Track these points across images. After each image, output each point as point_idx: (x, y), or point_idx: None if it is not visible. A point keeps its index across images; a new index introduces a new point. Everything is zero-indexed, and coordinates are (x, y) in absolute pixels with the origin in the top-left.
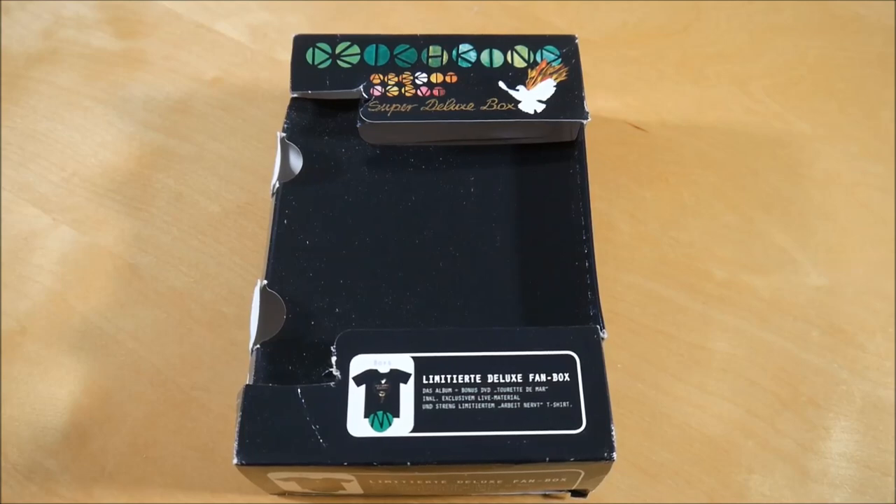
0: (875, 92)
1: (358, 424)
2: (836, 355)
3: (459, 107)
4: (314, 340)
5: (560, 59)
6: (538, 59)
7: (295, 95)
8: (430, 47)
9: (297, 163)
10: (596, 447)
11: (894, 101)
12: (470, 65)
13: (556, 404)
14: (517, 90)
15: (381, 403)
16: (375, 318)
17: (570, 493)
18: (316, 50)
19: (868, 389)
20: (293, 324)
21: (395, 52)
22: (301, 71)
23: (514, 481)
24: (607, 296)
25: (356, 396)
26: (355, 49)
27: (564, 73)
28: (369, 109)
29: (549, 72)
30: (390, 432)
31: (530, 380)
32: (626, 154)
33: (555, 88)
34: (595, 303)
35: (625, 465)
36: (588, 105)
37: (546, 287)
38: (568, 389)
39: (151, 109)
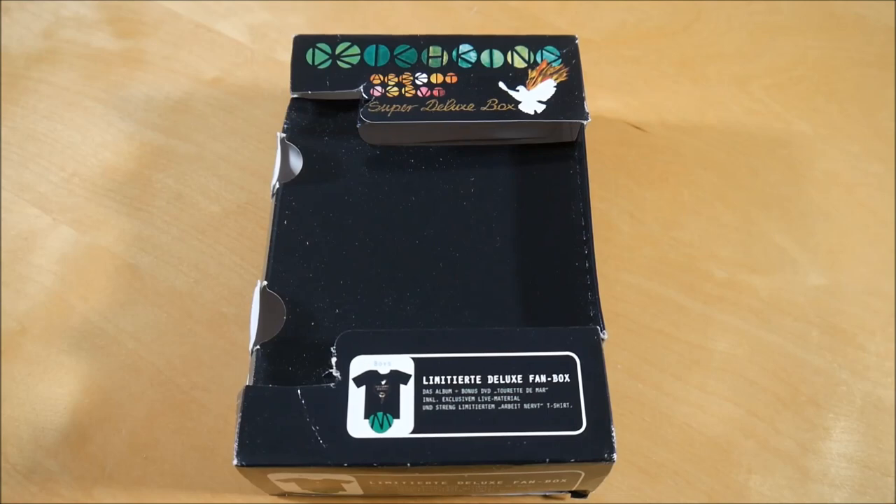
0: (875, 92)
1: (358, 425)
2: (836, 355)
3: (460, 107)
4: (314, 341)
5: (560, 60)
6: (538, 59)
7: (295, 96)
8: (430, 48)
9: (297, 163)
10: (596, 448)
11: (894, 101)
12: (470, 65)
13: (556, 405)
14: (517, 90)
15: (382, 404)
16: (375, 319)
17: (570, 494)
18: (316, 50)
19: (868, 389)
20: (293, 324)
21: (395, 53)
22: (301, 71)
23: (515, 482)
24: (607, 296)
25: (356, 397)
26: (355, 49)
27: (565, 74)
28: (369, 110)
29: (549, 72)
30: (390, 433)
31: (530, 381)
32: (626, 154)
33: (555, 89)
34: (595, 303)
35: (625, 465)
36: (588, 105)
37: (546, 287)
38: (568, 390)
39: (151, 109)
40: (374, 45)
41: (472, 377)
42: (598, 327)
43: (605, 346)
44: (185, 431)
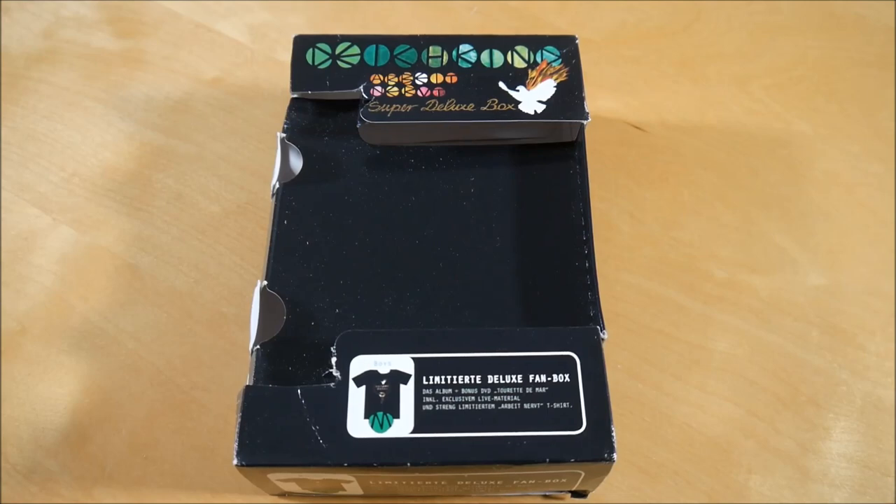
0: (875, 92)
1: (358, 425)
2: (836, 355)
3: (460, 107)
4: (314, 341)
5: (560, 60)
6: (538, 59)
7: (295, 96)
8: (430, 47)
9: (297, 163)
10: (596, 448)
11: (894, 101)
12: (470, 65)
13: (556, 405)
14: (517, 90)
15: (382, 404)
16: (375, 319)
17: (570, 494)
18: (316, 50)
19: (868, 389)
20: (293, 324)
21: (395, 53)
22: (301, 71)
23: (515, 482)
24: (607, 296)
25: (356, 397)
26: (355, 49)
27: (565, 74)
28: (369, 110)
29: (549, 72)
30: (390, 433)
31: (530, 380)
32: (626, 154)
33: (555, 89)
34: (595, 303)
35: (625, 465)
36: (588, 105)
37: (546, 287)
38: (568, 390)
39: (151, 109)
40: (374, 45)
41: (472, 377)
42: (598, 327)
43: (605, 346)
44: (185, 431)
